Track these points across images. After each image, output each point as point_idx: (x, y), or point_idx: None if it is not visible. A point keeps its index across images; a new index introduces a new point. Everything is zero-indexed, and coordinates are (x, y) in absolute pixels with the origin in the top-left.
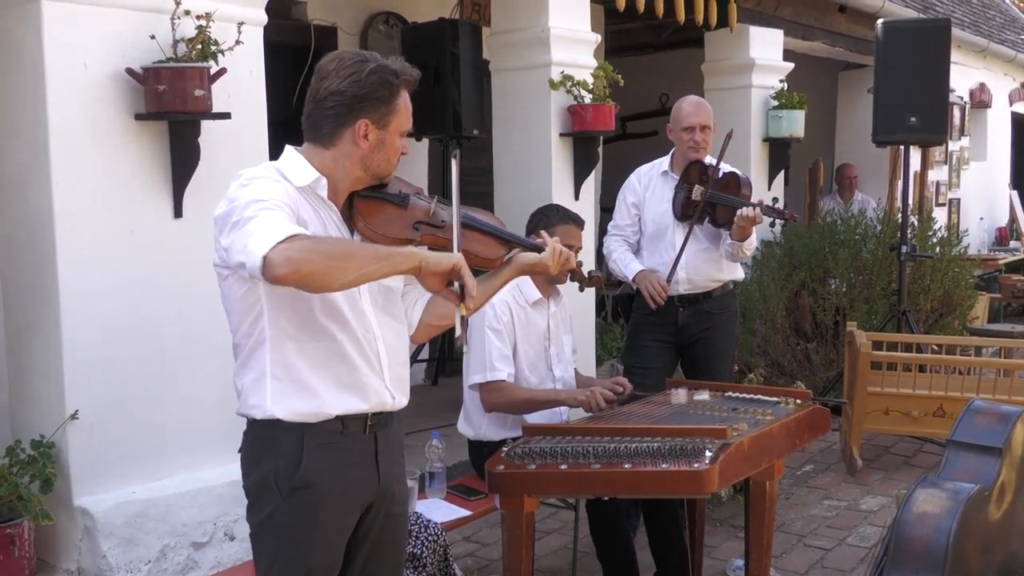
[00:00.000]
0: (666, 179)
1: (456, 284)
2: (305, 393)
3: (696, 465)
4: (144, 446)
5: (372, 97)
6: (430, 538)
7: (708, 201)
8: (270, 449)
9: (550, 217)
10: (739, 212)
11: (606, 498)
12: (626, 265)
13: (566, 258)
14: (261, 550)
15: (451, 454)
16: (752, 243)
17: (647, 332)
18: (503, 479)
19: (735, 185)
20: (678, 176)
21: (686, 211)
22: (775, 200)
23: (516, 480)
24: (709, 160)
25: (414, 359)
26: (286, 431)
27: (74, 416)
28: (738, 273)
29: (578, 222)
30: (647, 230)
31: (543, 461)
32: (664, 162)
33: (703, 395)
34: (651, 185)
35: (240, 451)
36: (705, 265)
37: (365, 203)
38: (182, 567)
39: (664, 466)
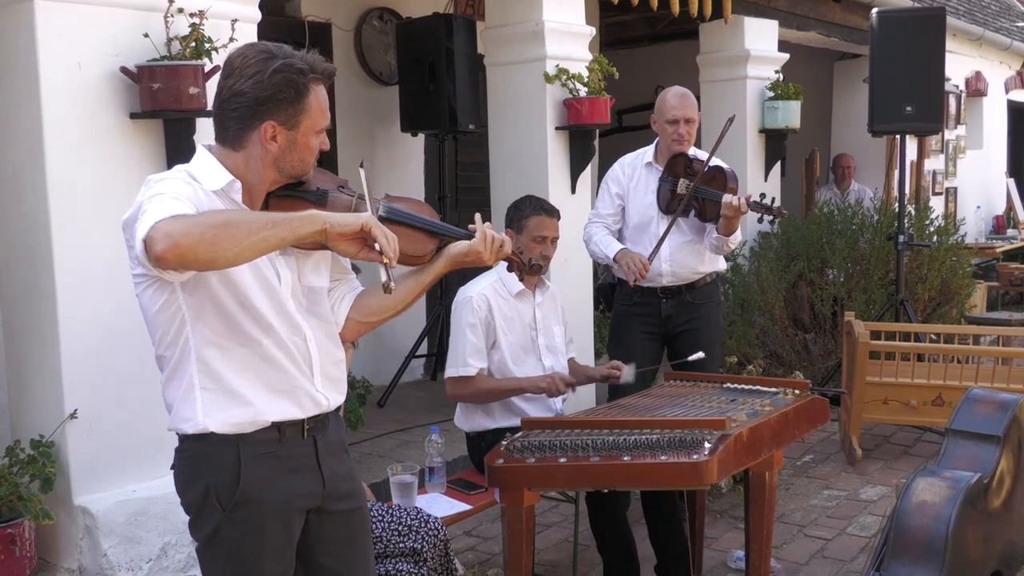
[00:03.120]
0: (650, 170)
1: (375, 244)
2: (237, 402)
3: (695, 457)
4: (144, 444)
5: (276, 99)
6: (430, 533)
7: (694, 195)
8: (205, 465)
9: (522, 209)
10: (724, 200)
11: (606, 491)
12: (607, 246)
13: (499, 244)
14: (209, 565)
15: (451, 449)
16: (737, 237)
17: (633, 324)
18: (503, 473)
19: (721, 179)
20: (662, 168)
21: (671, 204)
22: (763, 196)
23: (516, 474)
24: (693, 153)
25: (413, 355)
26: (220, 445)
27: (73, 415)
28: (720, 265)
29: (551, 212)
30: (631, 221)
31: (542, 455)
32: (648, 152)
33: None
34: (635, 176)
35: (173, 468)
36: (688, 258)
37: (280, 203)
38: (183, 565)
39: (663, 458)
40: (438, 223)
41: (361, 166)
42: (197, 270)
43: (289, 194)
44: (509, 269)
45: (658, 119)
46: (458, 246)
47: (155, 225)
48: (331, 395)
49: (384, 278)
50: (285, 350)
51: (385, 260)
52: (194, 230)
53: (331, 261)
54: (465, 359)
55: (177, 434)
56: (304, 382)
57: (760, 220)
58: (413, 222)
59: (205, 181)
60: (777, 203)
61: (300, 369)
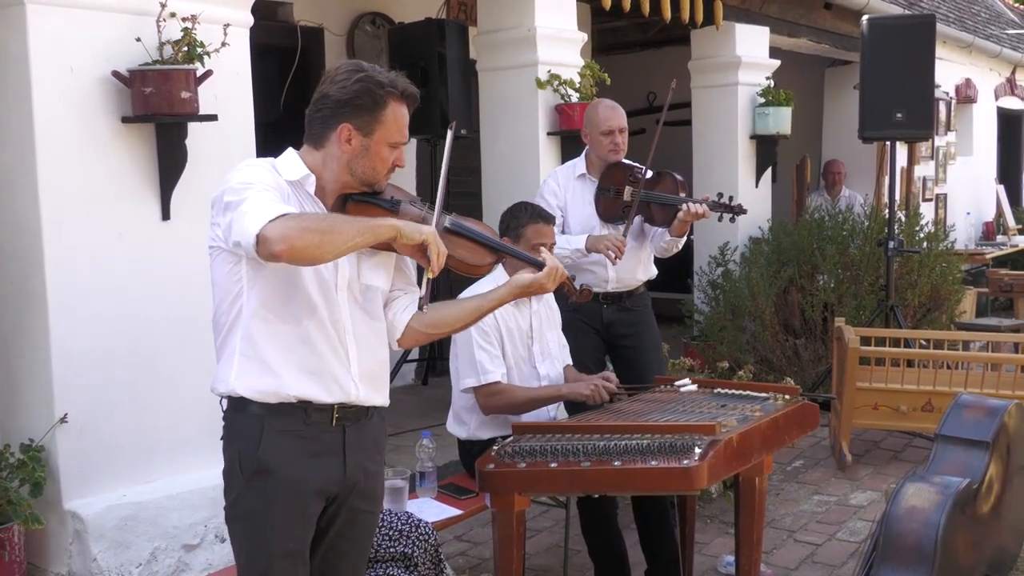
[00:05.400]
0: (584, 182)
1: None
2: (266, 372)
3: (685, 462)
4: (134, 449)
5: (353, 104)
6: (421, 537)
7: (643, 200)
8: (236, 433)
9: (519, 217)
10: (688, 209)
11: (597, 496)
12: (570, 241)
13: (562, 274)
14: (233, 535)
15: (442, 453)
16: (684, 239)
17: (576, 330)
18: (493, 478)
19: (671, 183)
20: (596, 179)
21: (614, 212)
22: (720, 195)
23: (506, 479)
24: (627, 161)
25: (404, 360)
26: (250, 416)
27: (63, 420)
28: (652, 272)
29: (548, 219)
30: (572, 233)
31: (533, 459)
32: (579, 165)
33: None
34: (569, 187)
35: (221, 438)
36: (632, 265)
37: (357, 206)
38: (173, 569)
39: (654, 463)
40: (498, 241)
41: (450, 129)
42: (301, 265)
43: (367, 200)
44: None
45: (590, 132)
46: (523, 277)
47: (267, 225)
48: (366, 389)
49: (422, 291)
50: (325, 334)
51: (429, 274)
52: (305, 235)
53: (395, 271)
54: (484, 366)
55: (220, 404)
56: (338, 368)
57: (720, 219)
58: (475, 236)
59: (284, 172)
60: (736, 200)
61: (337, 355)
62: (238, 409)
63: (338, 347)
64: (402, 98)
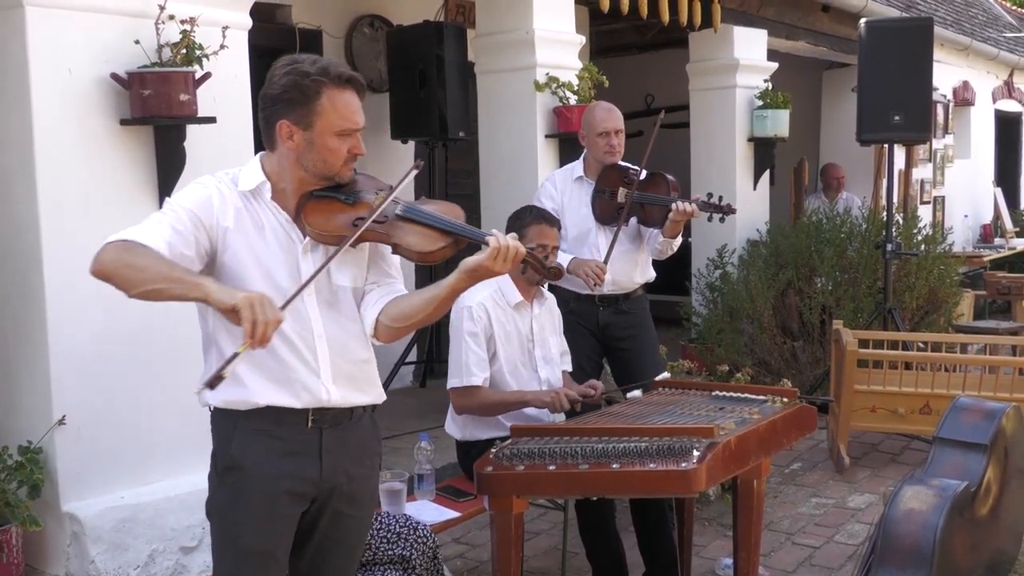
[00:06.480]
0: (581, 184)
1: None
2: (236, 385)
3: (684, 464)
4: (132, 451)
5: (283, 99)
6: (419, 540)
7: (636, 202)
8: (214, 431)
9: (523, 218)
10: (677, 207)
11: (595, 498)
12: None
13: (514, 252)
14: (212, 531)
15: (440, 456)
16: (679, 239)
17: (573, 332)
18: (492, 480)
19: (663, 184)
20: (593, 181)
21: (609, 214)
22: (709, 195)
23: (505, 481)
24: (624, 164)
25: (402, 362)
26: (225, 416)
27: (61, 421)
28: (650, 275)
29: (551, 221)
30: (569, 235)
31: (531, 462)
32: (577, 168)
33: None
34: (567, 190)
35: None
36: (629, 267)
37: (313, 202)
38: (170, 572)
39: (652, 466)
40: (455, 224)
41: (416, 167)
42: (118, 289)
43: (324, 194)
44: (523, 272)
45: (587, 134)
46: (470, 260)
47: (104, 245)
48: (341, 391)
49: (225, 362)
50: (288, 343)
51: (242, 347)
52: (111, 264)
53: (370, 264)
54: (469, 368)
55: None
56: (305, 375)
57: (709, 219)
58: (426, 220)
59: (242, 183)
60: (725, 200)
61: (304, 362)
62: (216, 413)
63: (305, 353)
64: (339, 84)
